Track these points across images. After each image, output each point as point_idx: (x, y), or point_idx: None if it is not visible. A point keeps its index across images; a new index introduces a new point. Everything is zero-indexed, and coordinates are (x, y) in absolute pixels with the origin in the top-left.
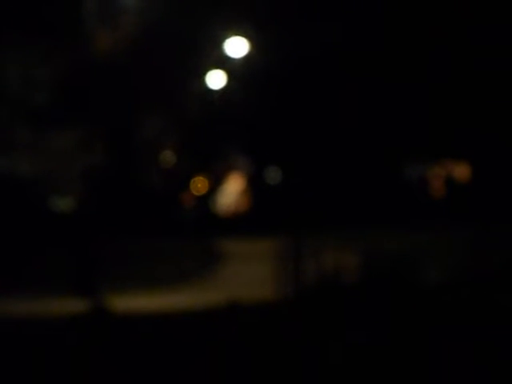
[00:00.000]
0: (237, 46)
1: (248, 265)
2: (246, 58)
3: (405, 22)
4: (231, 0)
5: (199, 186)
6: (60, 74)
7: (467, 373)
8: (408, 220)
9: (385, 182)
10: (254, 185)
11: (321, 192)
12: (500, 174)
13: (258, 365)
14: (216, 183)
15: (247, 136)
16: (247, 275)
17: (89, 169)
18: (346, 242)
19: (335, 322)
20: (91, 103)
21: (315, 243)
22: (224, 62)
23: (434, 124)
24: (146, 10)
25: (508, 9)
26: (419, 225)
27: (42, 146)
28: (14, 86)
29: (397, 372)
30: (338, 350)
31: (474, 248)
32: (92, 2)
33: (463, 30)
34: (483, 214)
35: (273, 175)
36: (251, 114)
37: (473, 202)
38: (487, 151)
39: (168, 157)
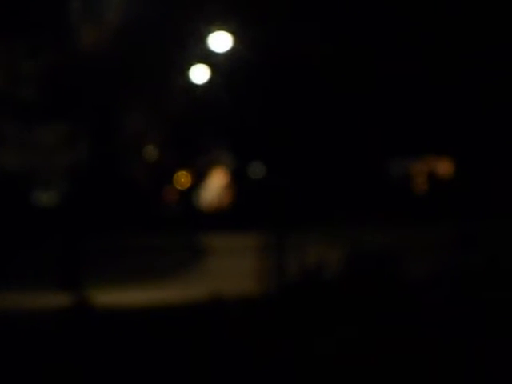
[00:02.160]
0: (220, 41)
1: (231, 259)
2: (230, 53)
3: (388, 20)
4: None
5: (183, 180)
6: (45, 69)
7: (451, 367)
8: (391, 215)
9: (368, 177)
10: (238, 179)
11: (304, 187)
12: (482, 171)
13: (241, 359)
14: (199, 178)
15: (230, 131)
16: (230, 270)
17: (73, 164)
18: (329, 237)
19: (318, 316)
20: (76, 98)
21: (298, 238)
22: (208, 57)
23: (417, 120)
24: (130, 5)
25: (489, 9)
26: (402, 220)
27: (27, 141)
28: (0, 82)
29: (380, 367)
30: (320, 344)
31: (456, 243)
32: None
33: (445, 29)
34: (466, 209)
35: (256, 170)
36: (235, 109)
37: (455, 198)
38: (470, 147)
39: (151, 151)
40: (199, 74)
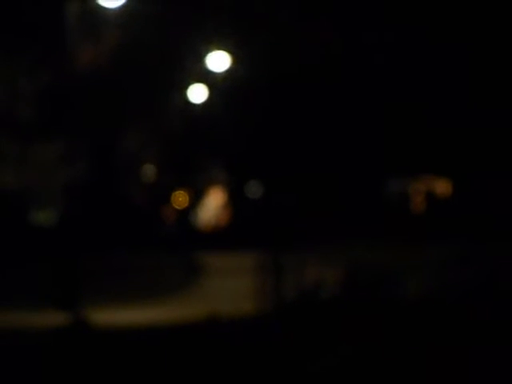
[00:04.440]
0: (218, 60)
1: (229, 279)
2: (228, 72)
3: (385, 39)
4: (213, 14)
5: (180, 199)
6: (43, 88)
7: None
8: (389, 235)
9: (366, 197)
10: (235, 199)
11: (302, 207)
12: (480, 190)
13: (238, 379)
14: (197, 197)
15: (228, 150)
16: (228, 289)
17: (71, 182)
18: (327, 256)
19: (316, 336)
20: (74, 117)
21: (296, 257)
22: (206, 76)
23: (416, 140)
24: (129, 25)
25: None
26: (400, 240)
27: (24, 159)
28: None
29: None
30: (318, 364)
31: (454, 263)
32: (75, 16)
33: (440, 50)
34: (464, 229)
35: (253, 189)
36: (232, 128)
37: (453, 218)
38: (468, 167)
39: (149, 171)
40: (197, 93)
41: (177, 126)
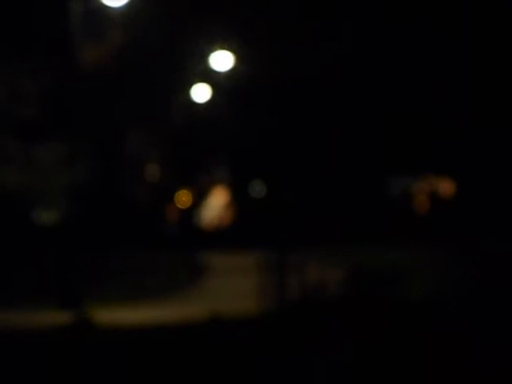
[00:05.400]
0: (222, 60)
1: (231, 278)
2: (231, 72)
3: (387, 43)
4: (216, 14)
5: (183, 199)
6: (46, 88)
7: None
8: (392, 234)
9: (369, 197)
10: (238, 198)
11: (305, 206)
12: (484, 190)
13: (240, 379)
14: (200, 197)
15: (232, 149)
16: (231, 289)
17: (74, 182)
18: (330, 256)
19: (318, 336)
20: (76, 117)
21: (299, 257)
22: (209, 76)
23: (419, 140)
24: (132, 24)
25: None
26: (403, 240)
27: (27, 159)
28: (1, 100)
29: None
30: (320, 365)
31: (457, 263)
32: (78, 17)
33: (442, 51)
34: (467, 229)
35: (257, 189)
36: (236, 128)
37: (457, 217)
38: (471, 167)
39: (153, 170)
40: (200, 92)
41: (180, 125)
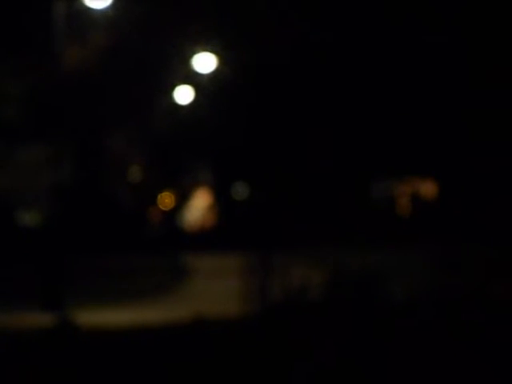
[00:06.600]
0: (205, 62)
1: (214, 280)
2: (214, 74)
3: (369, 44)
4: (199, 16)
5: (166, 201)
6: (30, 89)
7: None
8: (375, 237)
9: (352, 199)
10: (221, 200)
11: (288, 208)
12: (466, 192)
13: (224, 380)
14: (183, 198)
15: (214, 151)
16: (214, 290)
17: (57, 184)
18: (313, 259)
19: (301, 338)
20: (59, 119)
21: (282, 259)
22: (192, 78)
23: (401, 142)
24: (115, 26)
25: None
26: (386, 242)
27: (10, 161)
28: None
29: None
30: (303, 367)
31: (440, 265)
32: (62, 18)
33: (429, 53)
34: (449, 231)
35: (240, 191)
36: (218, 130)
37: (438, 220)
38: (453, 169)
39: (135, 172)
40: (183, 94)
41: (163, 127)
